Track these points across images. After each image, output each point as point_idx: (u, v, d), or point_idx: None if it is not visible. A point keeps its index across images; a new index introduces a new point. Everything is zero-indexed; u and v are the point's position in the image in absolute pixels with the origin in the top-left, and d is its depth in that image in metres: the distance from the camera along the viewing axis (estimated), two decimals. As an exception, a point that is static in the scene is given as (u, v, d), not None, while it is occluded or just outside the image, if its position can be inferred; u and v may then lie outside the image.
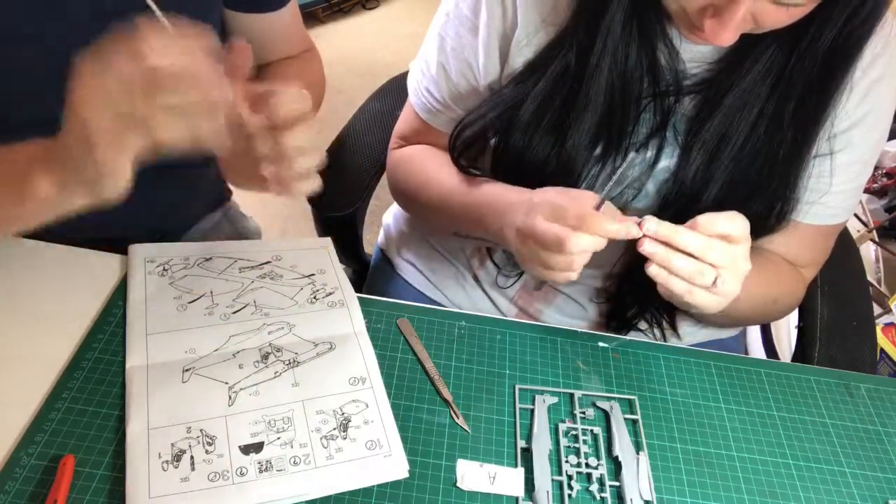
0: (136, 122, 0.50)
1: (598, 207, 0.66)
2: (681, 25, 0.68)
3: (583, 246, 0.64)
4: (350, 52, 3.04)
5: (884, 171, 2.07)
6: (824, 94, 0.70)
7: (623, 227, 0.64)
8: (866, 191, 2.04)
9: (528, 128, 0.75)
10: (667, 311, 0.86)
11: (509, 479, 0.63)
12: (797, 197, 0.76)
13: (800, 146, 0.73)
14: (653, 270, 0.65)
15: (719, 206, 0.75)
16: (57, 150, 0.54)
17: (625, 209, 0.80)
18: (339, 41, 3.10)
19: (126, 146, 0.51)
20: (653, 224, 0.63)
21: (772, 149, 0.72)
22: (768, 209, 0.76)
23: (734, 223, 0.64)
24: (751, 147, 0.73)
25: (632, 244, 0.84)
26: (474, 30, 0.79)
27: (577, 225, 0.64)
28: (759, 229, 0.78)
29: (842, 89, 0.71)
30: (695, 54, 0.73)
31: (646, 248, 0.64)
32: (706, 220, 0.64)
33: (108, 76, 0.49)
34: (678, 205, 0.77)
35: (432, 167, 0.87)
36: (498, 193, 0.78)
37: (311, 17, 3.17)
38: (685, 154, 0.75)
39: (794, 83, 0.69)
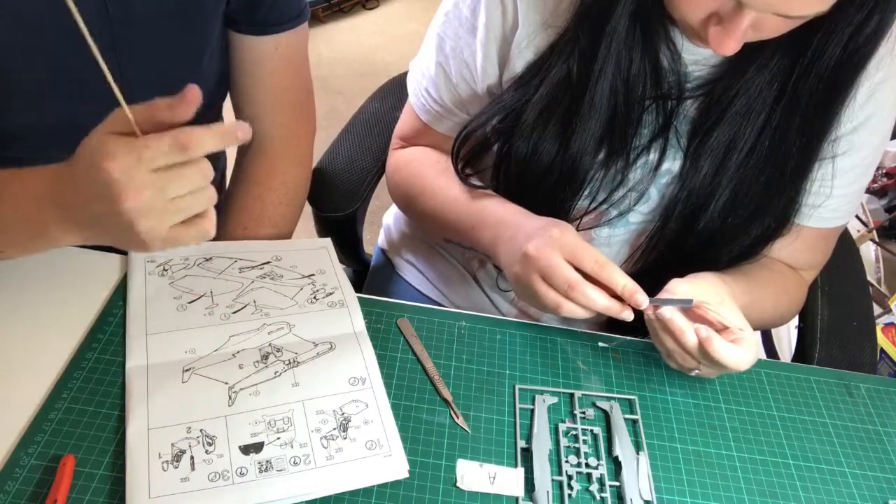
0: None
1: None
2: (685, 33, 0.68)
3: (588, 299, 0.66)
4: (350, 52, 3.04)
5: (884, 171, 2.06)
6: (829, 110, 0.70)
7: (633, 287, 0.66)
8: (866, 191, 2.04)
9: (531, 134, 0.75)
10: None
11: (509, 479, 0.63)
12: (800, 202, 0.76)
13: (807, 159, 0.73)
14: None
15: (725, 217, 0.75)
16: (81, 216, 0.56)
17: (628, 213, 0.80)
18: (339, 41, 3.10)
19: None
20: (650, 308, 0.68)
21: (779, 160, 0.72)
22: (776, 221, 0.76)
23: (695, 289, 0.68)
24: (757, 157, 0.72)
25: (633, 248, 0.84)
26: (473, 31, 0.78)
27: (596, 270, 0.66)
28: (763, 238, 0.78)
29: (847, 103, 0.71)
30: (697, 56, 0.73)
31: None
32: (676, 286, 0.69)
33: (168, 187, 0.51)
34: (685, 213, 0.77)
35: (431, 174, 0.86)
36: (494, 207, 0.78)
37: (312, 16, 3.16)
38: (693, 162, 0.75)
39: (799, 98, 0.69)
